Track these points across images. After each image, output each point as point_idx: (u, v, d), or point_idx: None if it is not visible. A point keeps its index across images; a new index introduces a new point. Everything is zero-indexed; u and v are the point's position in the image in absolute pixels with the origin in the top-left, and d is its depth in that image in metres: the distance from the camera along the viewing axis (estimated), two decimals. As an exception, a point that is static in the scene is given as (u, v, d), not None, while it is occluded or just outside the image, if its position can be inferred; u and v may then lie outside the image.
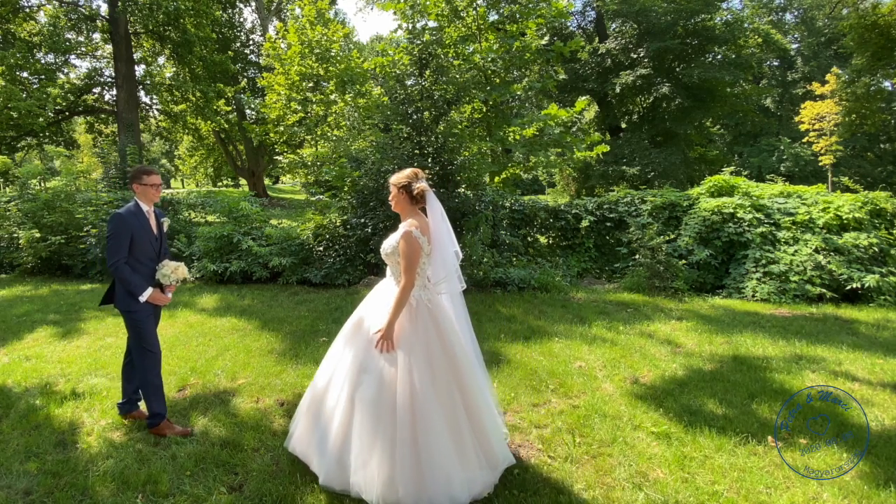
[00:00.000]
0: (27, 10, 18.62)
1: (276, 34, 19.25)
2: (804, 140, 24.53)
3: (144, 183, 3.38)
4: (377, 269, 8.21)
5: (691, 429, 3.50)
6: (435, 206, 2.93)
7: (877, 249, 7.65)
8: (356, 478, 2.63)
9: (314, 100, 16.42)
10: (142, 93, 20.33)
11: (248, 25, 26.30)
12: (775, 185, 9.65)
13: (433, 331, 2.81)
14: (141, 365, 3.36)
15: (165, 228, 3.63)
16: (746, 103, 23.97)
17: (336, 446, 2.71)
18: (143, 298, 3.28)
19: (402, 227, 2.86)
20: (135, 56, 19.49)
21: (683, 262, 8.20)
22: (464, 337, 3.02)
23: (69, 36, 19.12)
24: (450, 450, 2.64)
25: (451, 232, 2.96)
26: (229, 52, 21.77)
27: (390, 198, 3.04)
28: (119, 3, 16.82)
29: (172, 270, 3.40)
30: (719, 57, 22.06)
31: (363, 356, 2.81)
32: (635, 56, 22.02)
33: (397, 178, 2.97)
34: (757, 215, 8.39)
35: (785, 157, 28.63)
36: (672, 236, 8.65)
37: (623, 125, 25.18)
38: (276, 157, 20.41)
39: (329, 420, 2.79)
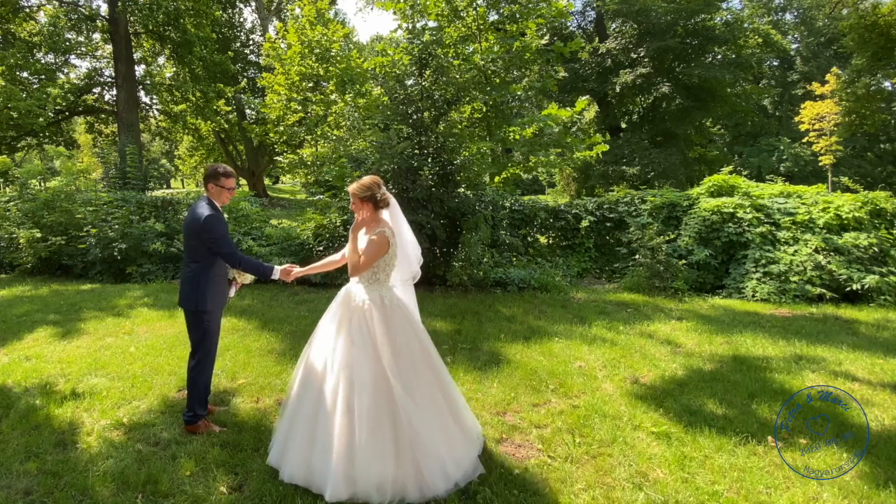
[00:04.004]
0: (27, 10, 18.63)
1: (276, 34, 19.23)
2: (804, 140, 24.54)
3: (221, 185, 3.36)
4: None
5: (691, 429, 3.50)
6: (396, 209, 3.06)
7: (877, 249, 7.65)
8: (364, 485, 2.66)
9: (314, 100, 16.41)
10: (142, 93, 20.33)
11: (248, 25, 26.30)
12: (775, 185, 9.65)
13: (409, 328, 2.93)
14: (196, 364, 3.39)
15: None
16: (746, 103, 23.96)
17: (340, 461, 2.67)
18: (276, 275, 3.36)
19: (377, 230, 2.94)
20: (135, 56, 19.49)
21: (683, 262, 8.20)
22: None
23: (69, 36, 19.13)
24: (439, 437, 2.81)
25: (411, 231, 3.15)
26: (229, 52, 21.77)
27: (351, 206, 3.08)
28: (119, 3, 16.82)
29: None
30: (719, 57, 22.06)
31: (345, 367, 2.80)
32: (635, 56, 22.00)
33: (361, 190, 2.99)
34: (757, 215, 8.39)
35: (785, 157, 28.64)
36: (672, 236, 8.66)
37: (623, 125, 25.17)
38: (276, 157, 20.40)
39: (326, 439, 2.74)
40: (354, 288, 3.02)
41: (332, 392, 2.79)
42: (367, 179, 3.03)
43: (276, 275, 3.35)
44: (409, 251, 3.11)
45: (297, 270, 3.43)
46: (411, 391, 2.78)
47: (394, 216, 3.06)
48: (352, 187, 3.03)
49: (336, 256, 3.41)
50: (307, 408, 2.86)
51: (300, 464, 2.80)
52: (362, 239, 3.04)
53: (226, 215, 3.75)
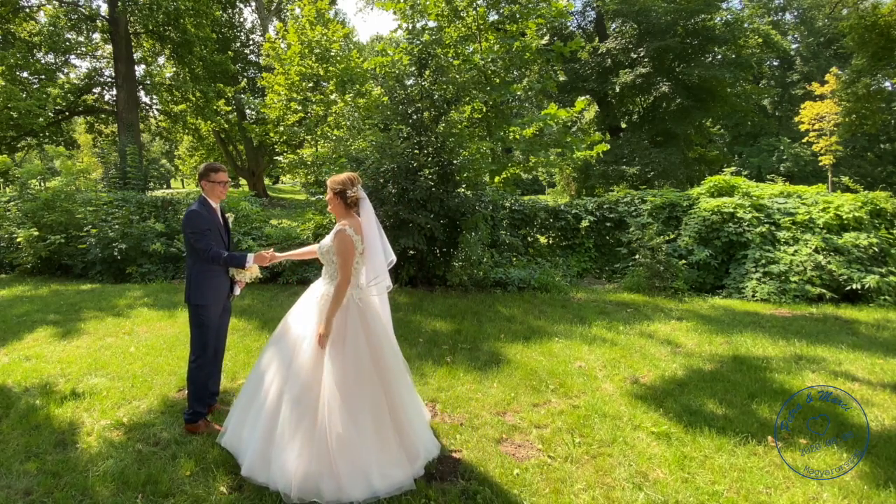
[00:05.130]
0: (27, 10, 18.61)
1: (276, 34, 19.23)
2: (804, 140, 24.54)
3: (212, 180, 3.44)
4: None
5: (691, 429, 3.50)
6: (368, 212, 3.06)
7: (877, 249, 7.66)
8: (275, 471, 2.70)
9: (314, 100, 16.41)
10: (142, 93, 20.32)
11: (248, 25, 26.30)
12: (775, 185, 9.66)
13: (361, 329, 2.91)
14: (193, 361, 3.43)
15: (231, 223, 3.70)
16: (746, 103, 23.96)
17: (261, 440, 2.80)
18: (249, 263, 3.32)
19: (337, 226, 2.98)
20: (135, 56, 19.48)
21: (683, 262, 8.21)
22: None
23: (69, 36, 19.11)
24: (370, 444, 2.75)
25: (384, 236, 3.13)
26: (229, 52, 21.75)
27: (326, 198, 3.13)
28: (119, 3, 16.81)
29: (247, 268, 3.47)
30: (719, 57, 22.06)
31: (292, 353, 2.92)
32: (635, 56, 21.99)
33: (334, 183, 3.06)
34: (757, 215, 8.39)
35: (785, 157, 28.68)
36: (672, 236, 8.66)
37: (623, 125, 25.17)
38: (276, 157, 20.39)
39: (257, 415, 2.90)
40: (318, 283, 3.12)
41: (271, 374, 2.95)
42: (343, 175, 3.09)
43: (249, 262, 3.31)
44: (375, 257, 3.03)
45: (276, 255, 3.41)
46: (346, 392, 2.74)
47: (366, 219, 3.05)
48: (330, 179, 3.10)
49: (315, 246, 3.37)
50: (251, 385, 3.06)
51: (233, 433, 3.04)
52: (326, 237, 3.07)
53: (230, 215, 3.73)
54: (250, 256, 3.32)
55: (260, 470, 2.77)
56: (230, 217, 3.71)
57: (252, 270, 3.48)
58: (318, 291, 3.07)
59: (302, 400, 2.75)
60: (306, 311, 3.04)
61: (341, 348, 2.83)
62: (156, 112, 22.47)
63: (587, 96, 24.03)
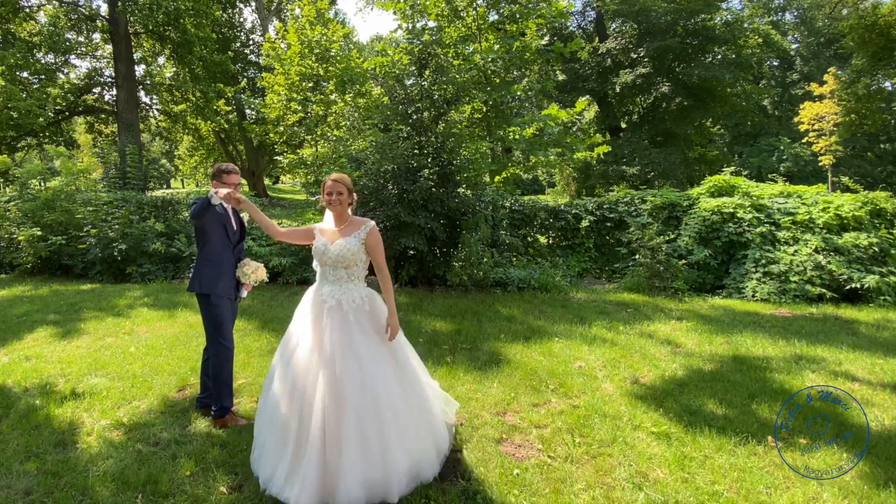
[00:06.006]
0: (27, 10, 18.62)
1: (276, 34, 19.24)
2: (804, 140, 24.55)
3: (224, 181, 3.53)
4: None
5: (691, 429, 3.50)
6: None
7: (877, 249, 7.66)
8: (417, 465, 2.79)
9: (314, 100, 16.41)
10: (142, 93, 20.32)
11: (248, 25, 26.31)
12: (775, 185, 9.66)
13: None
14: (215, 357, 3.49)
15: (246, 223, 3.75)
16: (746, 103, 23.96)
17: (396, 459, 2.66)
18: (214, 200, 3.11)
19: (366, 226, 2.94)
20: (135, 56, 19.49)
21: (683, 262, 8.21)
22: None
23: (69, 36, 19.11)
24: (419, 439, 2.86)
25: None
26: (229, 52, 21.75)
27: (336, 197, 2.94)
28: (119, 3, 16.81)
29: (253, 270, 3.51)
30: (719, 57, 22.08)
31: (336, 369, 2.70)
32: (635, 56, 22.01)
33: (351, 183, 3.06)
34: (757, 215, 8.39)
35: (785, 157, 28.70)
36: (672, 236, 8.66)
37: (623, 125, 25.18)
38: (276, 157, 20.41)
39: (379, 438, 2.66)
40: (342, 288, 2.90)
41: (309, 400, 2.68)
42: (345, 175, 3.11)
43: (214, 199, 3.12)
44: None
45: (242, 197, 3.16)
46: (417, 378, 2.98)
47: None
48: (342, 177, 2.99)
49: (280, 229, 3.21)
50: (348, 429, 2.60)
51: (355, 482, 2.55)
52: (340, 241, 2.91)
53: (245, 214, 3.79)
54: (212, 192, 3.13)
55: (407, 482, 2.71)
56: (245, 216, 3.76)
57: (258, 273, 3.52)
58: (355, 294, 2.89)
59: (404, 400, 2.82)
60: (346, 321, 2.81)
61: (393, 344, 2.93)
62: (156, 112, 22.48)
63: (587, 96, 24.04)
